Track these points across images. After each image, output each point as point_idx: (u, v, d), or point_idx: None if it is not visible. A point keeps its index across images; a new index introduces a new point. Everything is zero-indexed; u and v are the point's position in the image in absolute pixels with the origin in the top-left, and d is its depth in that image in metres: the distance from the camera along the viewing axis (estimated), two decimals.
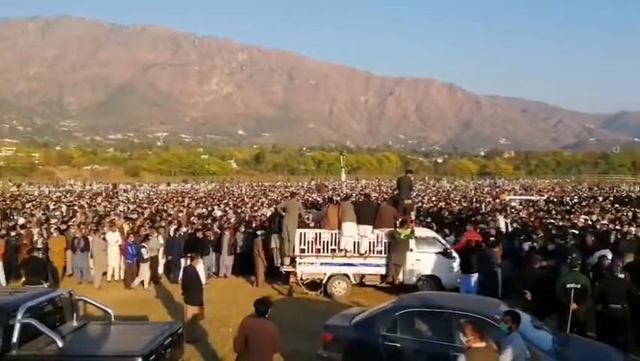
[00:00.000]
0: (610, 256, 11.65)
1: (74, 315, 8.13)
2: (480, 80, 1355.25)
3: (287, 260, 13.78)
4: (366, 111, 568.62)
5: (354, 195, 37.38)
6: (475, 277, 11.53)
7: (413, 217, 14.74)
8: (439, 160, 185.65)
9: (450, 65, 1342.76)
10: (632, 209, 30.38)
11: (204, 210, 28.40)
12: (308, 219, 14.25)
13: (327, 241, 13.55)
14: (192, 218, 22.28)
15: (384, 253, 13.35)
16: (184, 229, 17.65)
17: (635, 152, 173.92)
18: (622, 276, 9.33)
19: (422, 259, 13.38)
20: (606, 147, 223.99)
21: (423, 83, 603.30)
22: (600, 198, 42.93)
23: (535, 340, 6.68)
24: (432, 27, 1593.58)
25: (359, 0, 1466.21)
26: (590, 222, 21.50)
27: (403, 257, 13.05)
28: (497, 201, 37.71)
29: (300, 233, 13.48)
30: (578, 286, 9.06)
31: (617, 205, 34.20)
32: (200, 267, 10.66)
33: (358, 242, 13.42)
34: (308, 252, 13.49)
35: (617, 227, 19.31)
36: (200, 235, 16.01)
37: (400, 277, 13.30)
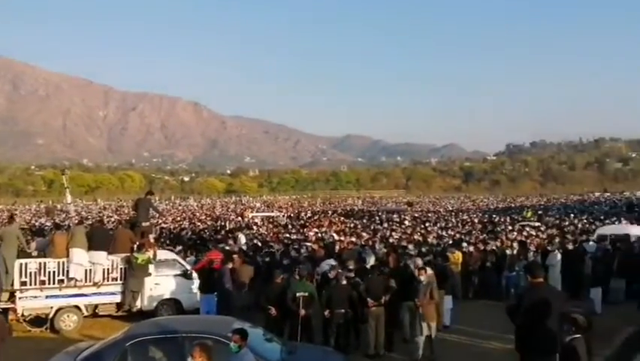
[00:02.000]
0: (334, 263, 13.00)
1: None
2: (224, 100, 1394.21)
3: (4, 296, 11.99)
4: (105, 127, 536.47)
5: (90, 218, 34.71)
6: (214, 296, 11.66)
7: (152, 240, 14.26)
8: (186, 179, 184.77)
9: (195, 83, 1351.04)
10: (354, 221, 34.69)
11: None
12: (29, 247, 12.68)
13: (54, 271, 12.21)
14: None
15: (121, 280, 12.62)
16: None
17: (358, 170, 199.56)
18: (344, 283, 10.43)
19: (161, 282, 12.99)
20: (336, 166, 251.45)
21: (168, 100, 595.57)
22: (330, 212, 47.83)
23: (264, 353, 7.00)
24: (174, 43, 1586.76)
25: (95, 7, 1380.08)
26: (320, 235, 23.69)
27: (140, 283, 12.50)
28: (240, 218, 39.14)
29: (21, 264, 11.90)
30: (306, 294, 9.86)
31: (342, 218, 38.61)
32: None
33: (91, 270, 12.43)
34: (30, 284, 11.95)
35: (342, 238, 21.71)
36: None
37: (138, 303, 12.71)
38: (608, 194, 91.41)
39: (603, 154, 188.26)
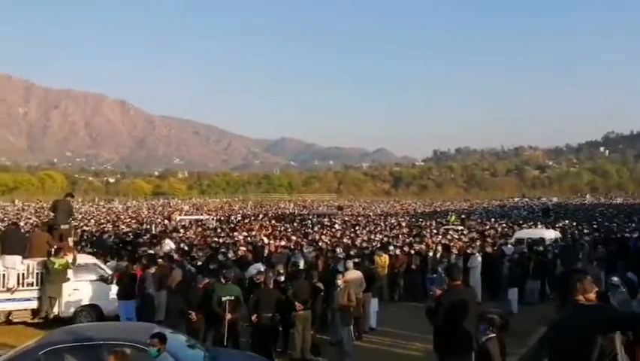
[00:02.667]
0: (263, 268, 12.91)
1: None
2: (153, 100, 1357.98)
3: None
4: (25, 124, 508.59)
5: (6, 220, 32.79)
6: (133, 302, 11.30)
7: (71, 244, 13.64)
8: (111, 180, 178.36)
9: (122, 81, 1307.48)
10: (285, 225, 34.66)
11: None
12: None
13: None
14: None
15: (37, 286, 12.00)
16: None
17: (291, 174, 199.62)
18: (272, 287, 10.37)
19: (80, 288, 12.45)
20: (268, 169, 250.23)
21: (93, 98, 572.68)
22: (260, 216, 47.53)
23: (185, 358, 6.85)
24: (101, 38, 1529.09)
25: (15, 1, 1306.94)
26: (249, 238, 23.47)
27: (58, 289, 11.91)
28: (167, 221, 38.13)
29: None
30: (232, 298, 9.70)
31: (273, 221, 38.47)
32: None
33: (4, 275, 11.74)
34: None
35: (271, 241, 21.60)
36: None
37: (56, 310, 12.11)
38: (527, 199, 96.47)
39: (522, 162, 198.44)
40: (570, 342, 3.58)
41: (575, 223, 33.79)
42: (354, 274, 11.72)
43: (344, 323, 9.56)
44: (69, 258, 12.17)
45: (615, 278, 9.01)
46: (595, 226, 30.58)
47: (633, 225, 29.94)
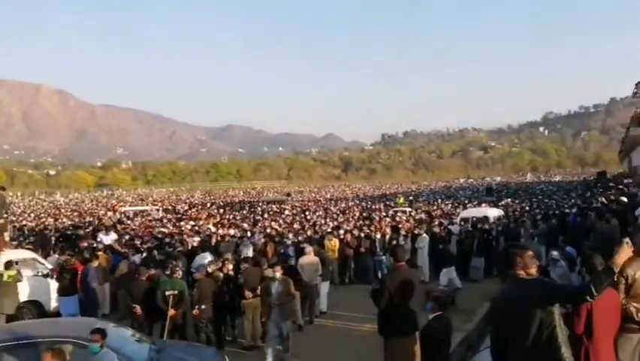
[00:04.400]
0: (210, 257, 12.68)
1: None
2: (93, 88, 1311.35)
3: None
4: None
5: None
6: (75, 297, 10.88)
7: (7, 238, 13.02)
8: (52, 172, 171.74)
9: (60, 70, 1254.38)
10: (234, 213, 34.27)
11: None
12: None
13: None
14: None
15: None
16: None
17: (239, 161, 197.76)
18: (221, 274, 10.18)
19: (20, 284, 11.89)
20: (216, 157, 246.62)
21: (29, 88, 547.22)
22: (209, 205, 46.86)
23: (130, 353, 6.61)
24: (34, 24, 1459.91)
25: None
26: (197, 228, 23.07)
27: (12, 303, 11.04)
28: (112, 213, 37.05)
29: None
30: (176, 292, 9.42)
31: (221, 210, 37.98)
32: None
33: None
34: None
35: (219, 230, 21.30)
36: None
37: None
38: (472, 180, 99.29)
39: (467, 143, 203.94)
40: (511, 316, 3.64)
41: (517, 201, 34.91)
42: (310, 258, 11.66)
43: (284, 318, 8.92)
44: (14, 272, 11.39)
45: (555, 252, 9.25)
46: (535, 203, 31.67)
47: (572, 201, 31.13)
